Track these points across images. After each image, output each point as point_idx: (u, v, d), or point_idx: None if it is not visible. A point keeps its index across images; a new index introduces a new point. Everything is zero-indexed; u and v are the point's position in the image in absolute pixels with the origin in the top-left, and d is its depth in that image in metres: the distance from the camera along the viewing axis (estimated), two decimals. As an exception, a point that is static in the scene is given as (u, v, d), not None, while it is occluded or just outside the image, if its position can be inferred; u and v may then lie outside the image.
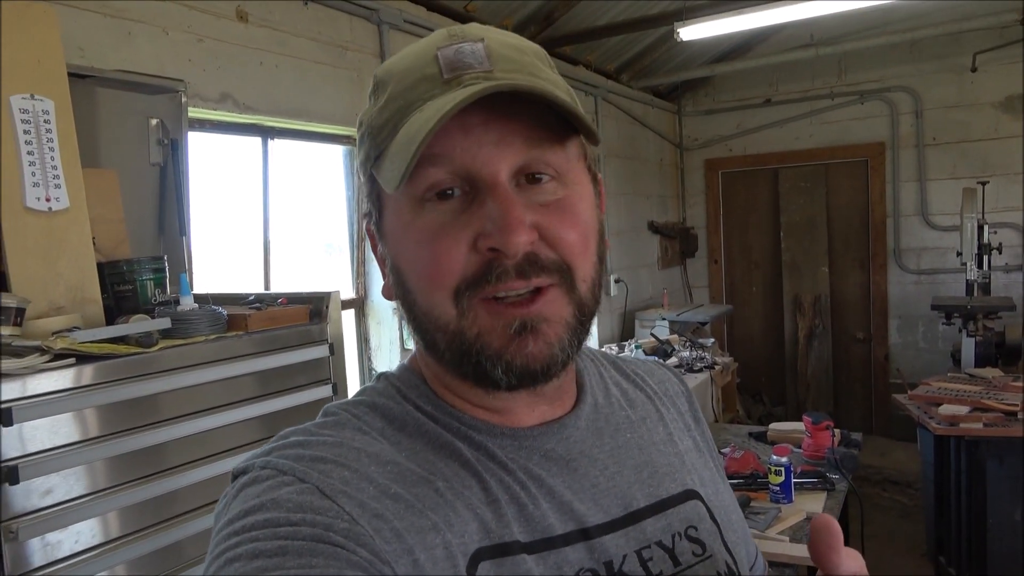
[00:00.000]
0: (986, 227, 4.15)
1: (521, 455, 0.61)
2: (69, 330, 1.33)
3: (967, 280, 4.19)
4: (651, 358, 0.86)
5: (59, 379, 1.25)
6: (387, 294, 0.65)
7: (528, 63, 0.59)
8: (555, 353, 0.57)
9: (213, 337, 1.55)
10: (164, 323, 1.46)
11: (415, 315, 0.60)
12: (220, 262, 2.62)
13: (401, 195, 0.58)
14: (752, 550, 0.77)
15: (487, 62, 0.57)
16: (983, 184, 4.30)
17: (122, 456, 1.36)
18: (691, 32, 3.82)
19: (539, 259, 0.57)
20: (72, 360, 1.26)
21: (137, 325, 1.40)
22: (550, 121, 0.57)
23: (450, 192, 0.57)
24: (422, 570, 0.52)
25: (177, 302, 1.57)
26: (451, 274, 0.56)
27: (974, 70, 5.00)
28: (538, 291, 0.57)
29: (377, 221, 0.64)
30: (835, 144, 5.60)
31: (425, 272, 0.58)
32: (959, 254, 4.18)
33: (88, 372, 1.29)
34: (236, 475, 0.57)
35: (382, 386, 0.66)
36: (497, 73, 0.57)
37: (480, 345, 0.57)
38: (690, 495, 0.69)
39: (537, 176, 0.58)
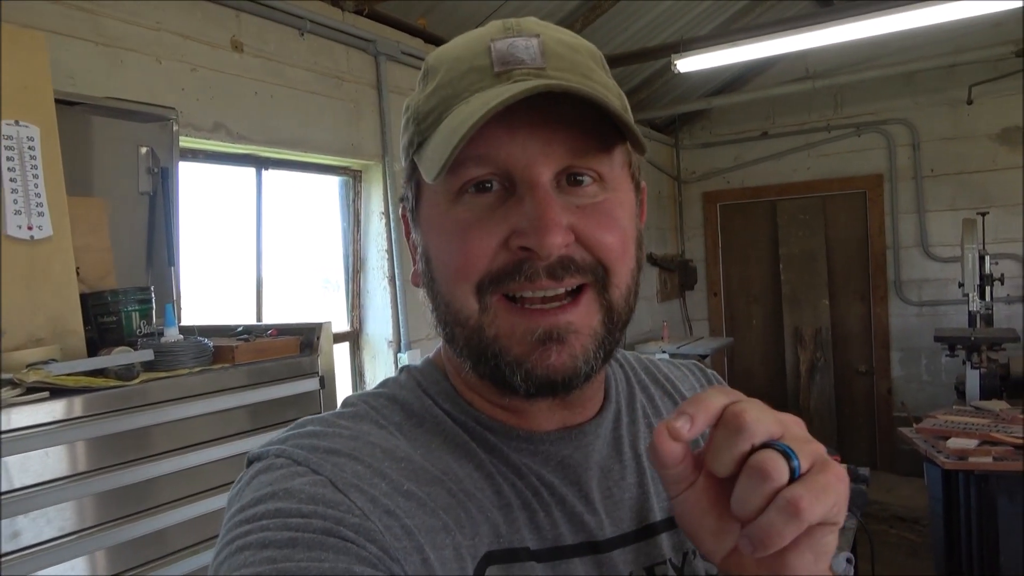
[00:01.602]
0: (987, 258, 4.12)
1: (536, 461, 0.60)
2: (45, 362, 1.27)
3: (970, 311, 4.15)
4: (688, 362, 0.82)
5: (31, 414, 1.19)
6: (415, 281, 0.64)
7: (581, 63, 0.58)
8: (579, 366, 0.55)
9: (198, 370, 1.49)
10: (146, 355, 1.41)
11: (438, 306, 0.60)
12: (212, 294, 2.57)
13: (439, 186, 0.57)
14: None
15: (540, 59, 0.56)
16: (983, 215, 4.28)
17: (99, 495, 1.29)
18: (688, 64, 3.83)
19: (574, 261, 0.55)
20: (45, 394, 1.20)
21: (117, 357, 1.34)
22: (598, 126, 0.55)
23: (488, 185, 0.56)
24: (431, 569, 0.51)
25: (161, 334, 1.51)
26: (476, 268, 0.55)
27: (970, 102, 5.02)
28: (572, 295, 0.56)
29: (414, 207, 0.63)
30: (833, 176, 5.59)
31: (452, 262, 0.57)
32: (961, 285, 4.15)
33: (62, 407, 1.23)
34: (251, 461, 0.57)
35: (404, 379, 0.66)
36: (549, 71, 0.55)
37: (498, 348, 0.55)
38: None
39: (579, 178, 0.56)
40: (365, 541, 0.49)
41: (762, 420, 0.46)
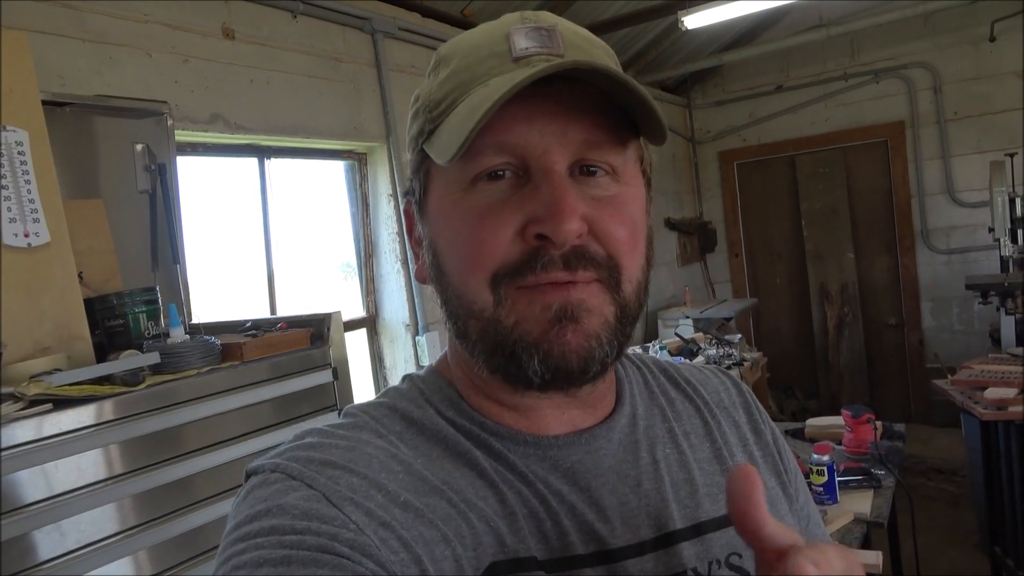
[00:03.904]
0: (1018, 200, 3.98)
1: (543, 467, 0.58)
2: (49, 373, 1.24)
3: (1001, 256, 4.01)
4: (710, 367, 0.78)
5: (35, 428, 1.16)
6: (420, 276, 0.63)
7: (598, 55, 0.58)
8: (593, 349, 0.54)
9: (206, 369, 1.45)
10: (152, 358, 1.37)
11: (448, 299, 0.58)
12: (222, 290, 2.54)
13: (452, 173, 0.56)
14: None
15: (559, 47, 0.56)
16: (1011, 156, 4.13)
17: (125, 500, 1.27)
18: (696, 20, 3.71)
19: (587, 252, 0.54)
20: (48, 406, 1.17)
21: (121, 363, 1.31)
22: (615, 118, 0.56)
23: (502, 173, 0.55)
24: None
25: (168, 335, 1.48)
26: (491, 258, 0.54)
27: (992, 40, 4.83)
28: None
29: (420, 200, 0.61)
30: (852, 126, 5.43)
31: (465, 253, 0.56)
32: (991, 230, 4.01)
33: (67, 418, 1.20)
34: (248, 475, 0.57)
35: (406, 387, 0.65)
36: (569, 58, 0.55)
37: (518, 334, 0.54)
38: None
39: (592, 169, 0.56)
40: (361, 556, 0.48)
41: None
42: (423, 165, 0.60)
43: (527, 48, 0.55)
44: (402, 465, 0.55)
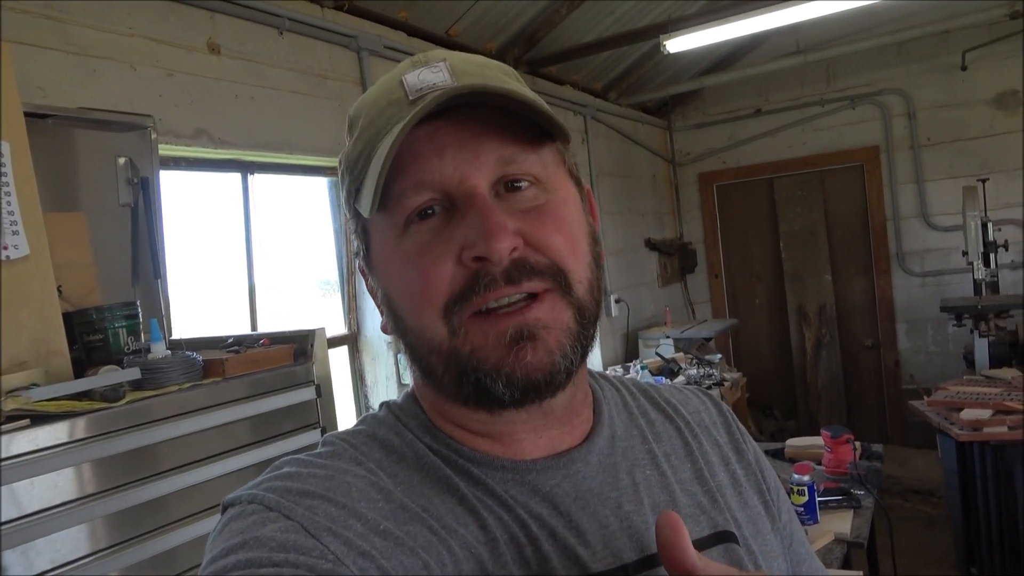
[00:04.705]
0: (990, 224, 4.06)
1: (522, 492, 0.58)
2: (27, 387, 1.22)
3: (974, 279, 4.10)
4: (690, 387, 0.78)
5: (9, 444, 1.13)
6: (385, 329, 0.64)
7: (492, 76, 0.59)
8: (557, 361, 0.55)
9: (188, 386, 1.43)
10: (133, 374, 1.35)
11: (409, 341, 0.59)
12: (203, 306, 2.51)
13: (385, 223, 0.58)
14: None
15: (450, 79, 0.57)
16: (983, 181, 4.22)
17: (97, 521, 1.24)
18: (677, 44, 3.76)
19: (528, 263, 0.55)
20: (26, 422, 1.15)
21: (101, 378, 1.29)
22: (522, 130, 0.57)
23: (431, 212, 0.56)
24: None
25: (148, 350, 1.45)
26: (438, 291, 0.55)
27: (964, 68, 4.95)
28: (533, 297, 0.55)
29: (366, 255, 0.63)
30: (829, 150, 5.52)
31: (413, 293, 0.57)
32: (965, 253, 4.09)
33: (44, 434, 1.17)
34: (225, 507, 0.56)
35: (383, 415, 0.65)
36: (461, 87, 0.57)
37: (476, 361, 0.55)
38: (722, 537, 0.62)
39: (516, 184, 0.57)
40: None
41: None
42: (359, 223, 0.62)
43: (420, 88, 0.57)
44: (381, 493, 0.55)
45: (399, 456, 0.60)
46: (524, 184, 0.57)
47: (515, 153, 0.57)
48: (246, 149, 2.46)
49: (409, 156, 0.55)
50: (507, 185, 0.57)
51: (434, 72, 0.58)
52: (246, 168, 2.60)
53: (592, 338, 0.59)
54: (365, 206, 0.56)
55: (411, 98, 0.57)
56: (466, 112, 0.55)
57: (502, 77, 0.60)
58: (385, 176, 0.54)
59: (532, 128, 0.57)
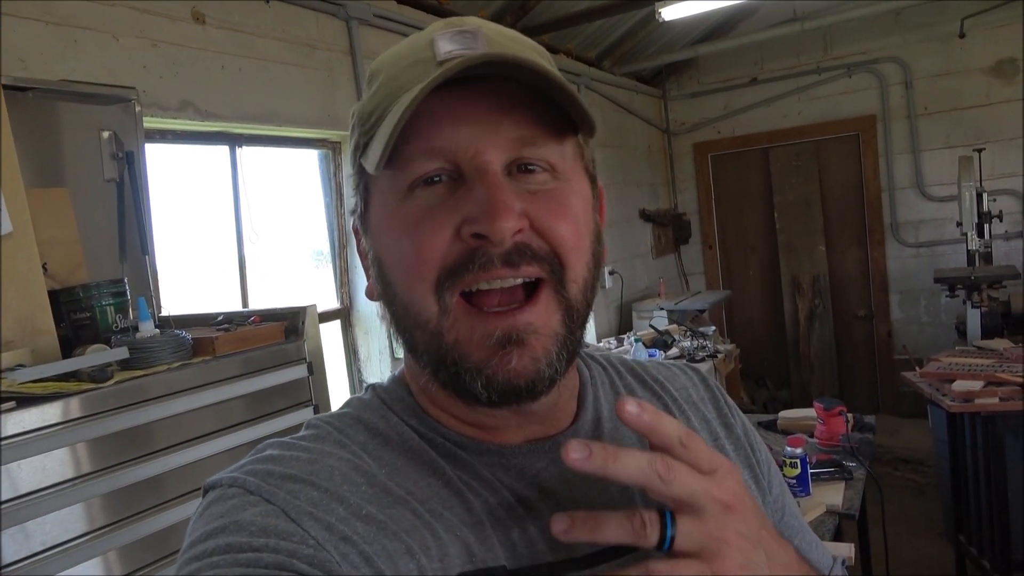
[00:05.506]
0: (985, 195, 4.05)
1: (509, 475, 0.58)
2: (12, 368, 1.20)
3: (968, 250, 4.10)
4: (677, 362, 0.78)
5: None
6: (370, 293, 0.62)
7: (523, 51, 0.57)
8: (542, 369, 0.53)
9: (177, 365, 1.42)
10: (121, 353, 1.33)
11: (396, 312, 0.58)
12: (193, 281, 2.49)
13: (388, 183, 0.56)
14: (822, 559, 0.72)
15: (483, 47, 0.55)
16: (979, 152, 4.20)
17: (72, 509, 1.23)
18: (673, 11, 3.70)
19: (529, 247, 0.53)
20: (12, 404, 1.13)
21: (88, 358, 1.27)
22: (546, 114, 0.55)
23: (438, 178, 0.54)
24: None
25: (137, 328, 1.43)
26: (431, 263, 0.53)
27: (962, 36, 4.90)
28: (529, 291, 0.54)
29: (363, 214, 0.61)
30: (825, 120, 5.48)
31: (405, 260, 0.55)
32: (959, 224, 4.09)
33: (31, 416, 1.15)
34: (206, 490, 0.55)
35: (368, 397, 0.64)
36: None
37: (457, 355, 0.54)
38: None
39: (530, 167, 0.55)
40: (320, 573, 0.47)
41: (680, 483, 0.46)
42: (362, 180, 0.60)
43: (451, 51, 0.54)
44: (365, 477, 0.55)
45: (384, 439, 0.59)
46: (538, 169, 0.56)
47: (535, 136, 0.55)
48: (233, 121, 2.42)
49: (426, 120, 0.53)
50: (520, 167, 0.55)
51: (466, 37, 0.56)
52: (234, 141, 2.56)
53: (579, 342, 0.58)
54: (371, 162, 0.54)
55: (439, 59, 0.55)
56: (492, 84, 0.53)
57: (534, 55, 0.57)
58: (397, 134, 0.51)
59: (557, 115, 0.55)
